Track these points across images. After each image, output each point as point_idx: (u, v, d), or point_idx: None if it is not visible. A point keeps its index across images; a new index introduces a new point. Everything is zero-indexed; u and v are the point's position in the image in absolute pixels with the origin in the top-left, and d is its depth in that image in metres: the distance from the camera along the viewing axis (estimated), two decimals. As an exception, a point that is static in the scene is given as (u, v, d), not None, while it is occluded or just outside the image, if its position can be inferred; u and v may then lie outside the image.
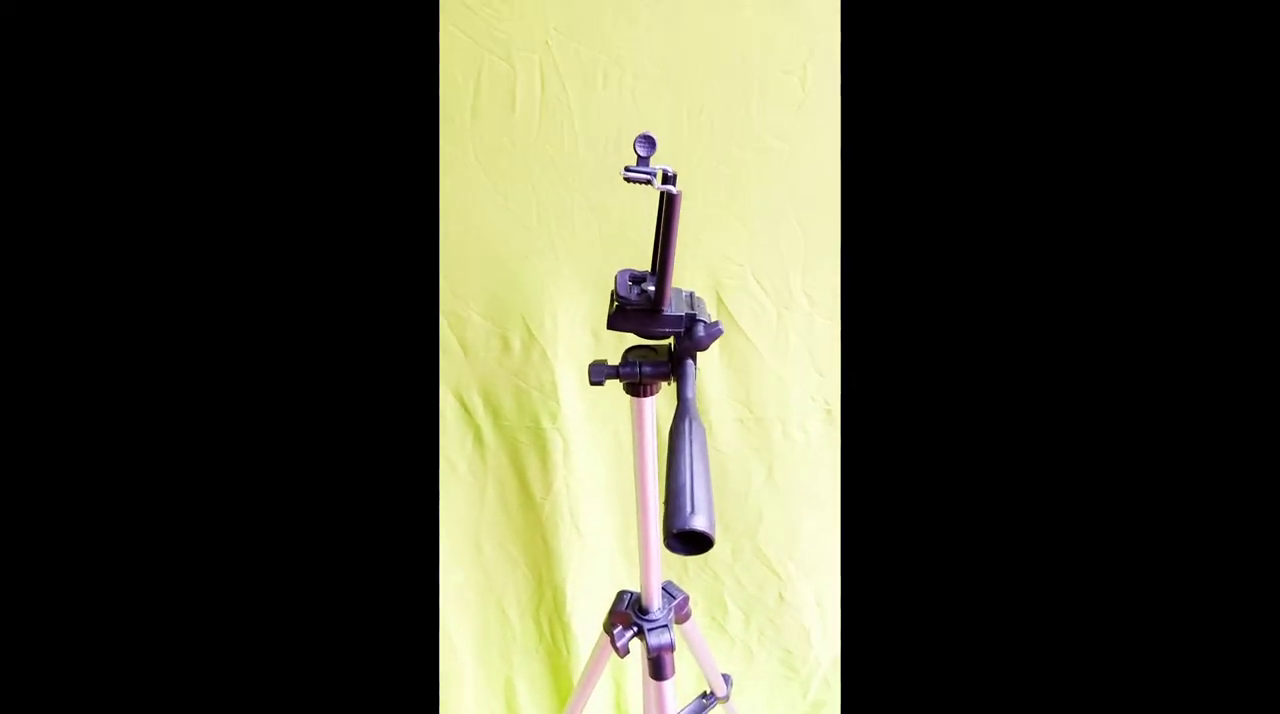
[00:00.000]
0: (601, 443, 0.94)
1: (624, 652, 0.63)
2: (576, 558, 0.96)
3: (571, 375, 0.89)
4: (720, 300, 0.85)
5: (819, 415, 0.92)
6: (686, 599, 0.68)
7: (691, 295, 0.48)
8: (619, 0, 0.67)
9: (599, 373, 0.50)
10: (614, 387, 0.94)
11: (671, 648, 0.62)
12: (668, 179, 0.40)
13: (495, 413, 0.89)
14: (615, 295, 0.46)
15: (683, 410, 0.39)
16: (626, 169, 0.40)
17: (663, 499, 0.33)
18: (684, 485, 0.32)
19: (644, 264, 0.87)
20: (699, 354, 0.47)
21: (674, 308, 0.44)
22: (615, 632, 0.64)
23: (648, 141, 0.39)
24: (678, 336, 0.46)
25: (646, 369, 0.49)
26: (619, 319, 0.46)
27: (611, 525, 0.99)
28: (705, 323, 0.45)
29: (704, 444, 0.36)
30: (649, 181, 0.40)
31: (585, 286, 0.83)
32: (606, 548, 1.00)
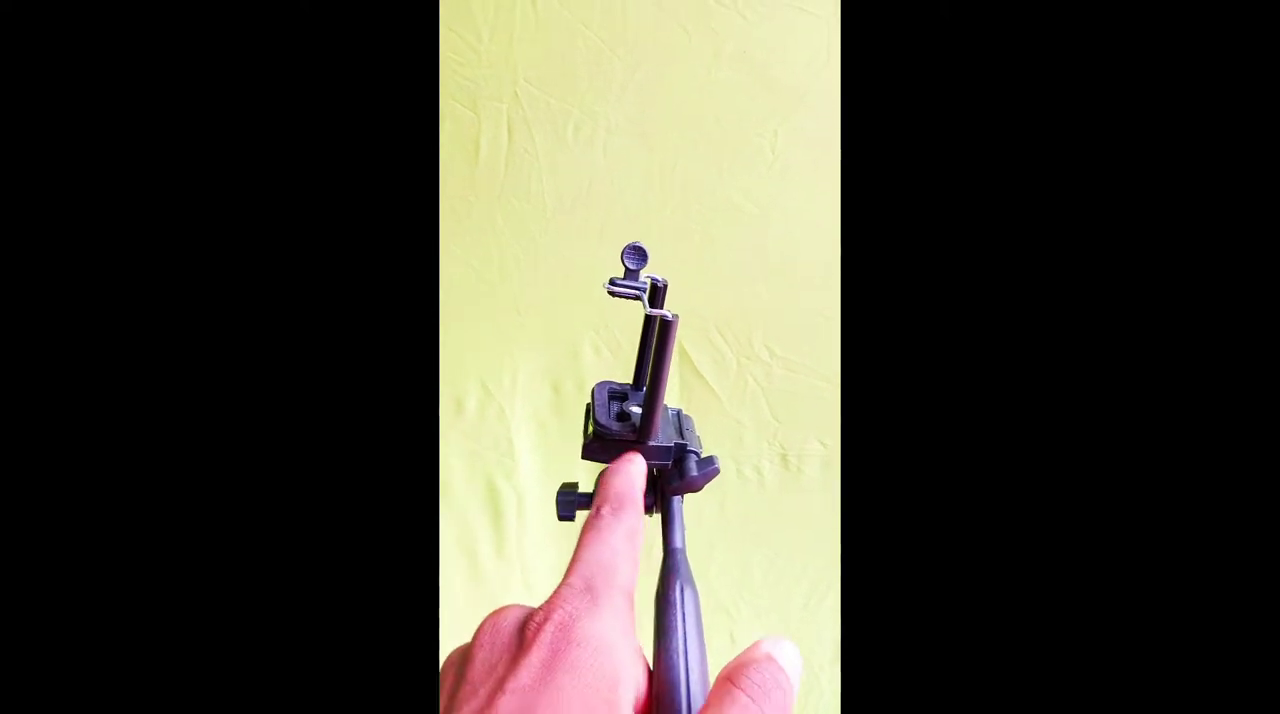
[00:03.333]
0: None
1: None
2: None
3: (529, 431, 0.84)
4: (682, 348, 0.84)
5: (773, 458, 0.94)
6: None
7: (679, 414, 0.41)
8: (595, 57, 0.65)
9: (568, 505, 0.39)
10: (570, 443, 0.91)
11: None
12: (657, 290, 0.35)
13: (443, 490, 0.83)
14: (592, 417, 0.37)
15: (672, 569, 0.31)
16: (612, 282, 0.33)
17: (652, 692, 0.27)
18: (678, 682, 0.26)
19: (611, 321, 0.85)
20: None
21: (662, 436, 0.37)
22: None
23: (638, 253, 0.33)
24: (663, 471, 0.38)
25: None
26: (597, 449, 0.36)
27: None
28: (697, 456, 0.38)
29: (699, 617, 0.29)
30: (637, 298, 0.33)
31: (549, 341, 0.79)
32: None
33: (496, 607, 0.28)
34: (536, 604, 0.25)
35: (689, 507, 0.88)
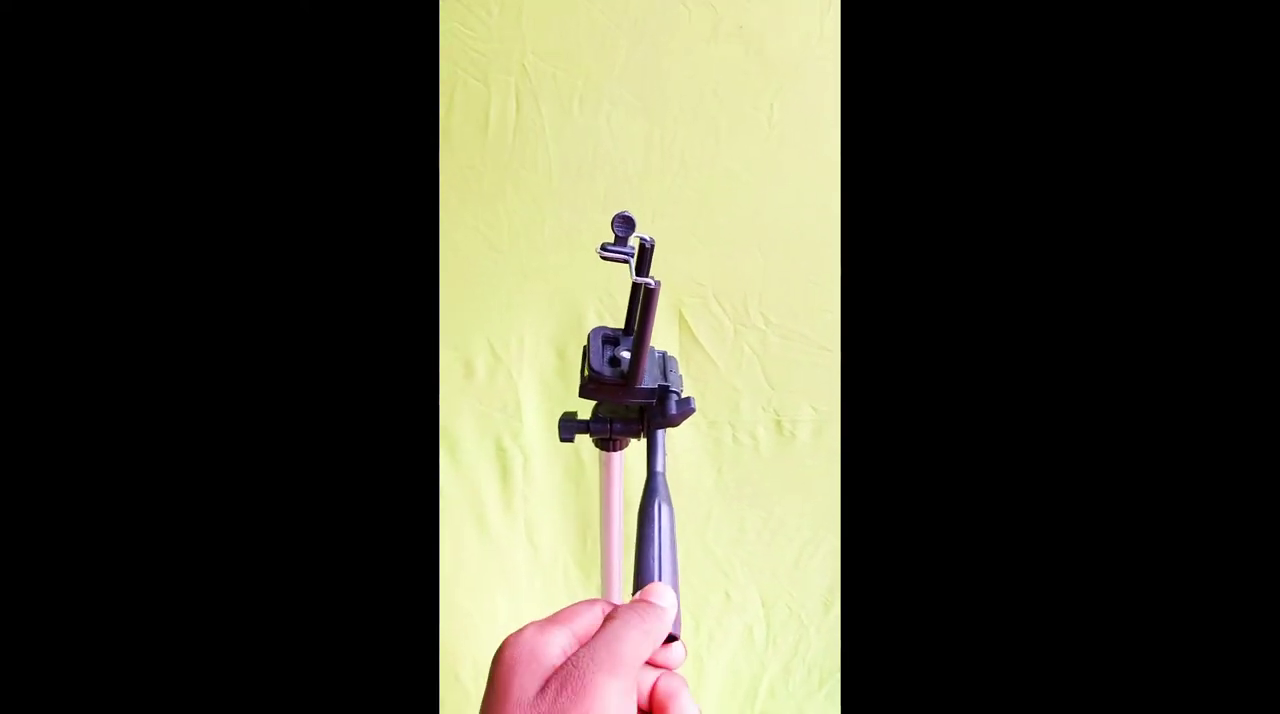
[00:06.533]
0: (561, 458, 0.95)
1: None
2: (527, 572, 0.97)
3: (535, 393, 0.89)
4: (682, 317, 0.88)
5: (768, 424, 0.98)
6: None
7: (664, 356, 0.47)
8: (599, 32, 0.68)
9: (569, 429, 0.48)
10: (576, 403, 0.95)
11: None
12: (645, 252, 0.39)
13: (453, 450, 0.88)
14: (587, 363, 0.43)
15: (653, 490, 0.37)
16: (603, 247, 0.36)
17: (632, 578, 0.33)
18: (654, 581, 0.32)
19: (613, 286, 0.88)
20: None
21: (647, 378, 0.43)
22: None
23: (625, 222, 0.36)
24: (649, 406, 0.45)
25: (617, 426, 0.48)
26: (591, 390, 0.44)
27: (568, 535, 1.00)
28: (677, 397, 0.44)
29: (674, 529, 0.35)
30: (625, 262, 0.37)
31: (553, 305, 0.83)
32: (561, 559, 1.01)
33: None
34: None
35: (691, 473, 0.92)
